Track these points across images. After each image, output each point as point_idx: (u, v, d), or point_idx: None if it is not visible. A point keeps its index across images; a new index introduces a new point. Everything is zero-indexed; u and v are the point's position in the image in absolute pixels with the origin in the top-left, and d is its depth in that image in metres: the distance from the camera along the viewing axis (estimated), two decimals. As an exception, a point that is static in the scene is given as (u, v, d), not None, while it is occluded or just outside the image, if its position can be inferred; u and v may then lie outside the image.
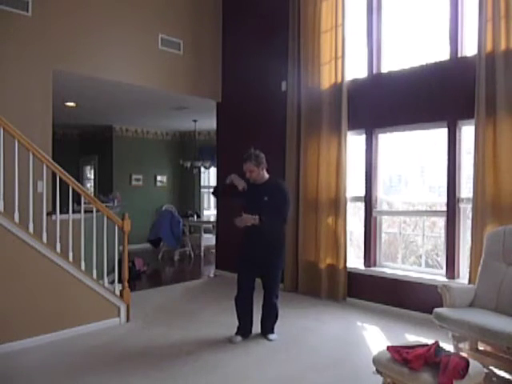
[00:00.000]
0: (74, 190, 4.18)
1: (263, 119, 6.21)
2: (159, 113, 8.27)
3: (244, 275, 3.93)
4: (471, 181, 4.28)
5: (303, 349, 3.80)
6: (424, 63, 4.74)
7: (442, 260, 4.75)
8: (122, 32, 5.63)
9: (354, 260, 5.44)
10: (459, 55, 4.50)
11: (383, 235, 5.26)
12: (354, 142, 5.39)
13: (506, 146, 4.01)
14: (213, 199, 10.49)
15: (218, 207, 7.13)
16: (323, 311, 4.87)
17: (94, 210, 4.39)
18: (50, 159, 4.16)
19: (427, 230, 5.11)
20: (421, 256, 5.04)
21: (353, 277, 5.23)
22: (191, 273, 7.61)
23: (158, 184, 10.39)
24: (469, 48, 4.44)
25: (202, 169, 10.09)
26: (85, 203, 4.29)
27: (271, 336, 4.00)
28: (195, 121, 8.83)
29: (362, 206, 5.31)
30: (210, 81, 6.64)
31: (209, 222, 9.19)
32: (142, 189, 10.05)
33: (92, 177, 10.66)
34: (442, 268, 4.76)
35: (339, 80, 5.26)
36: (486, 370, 2.84)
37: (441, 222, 4.86)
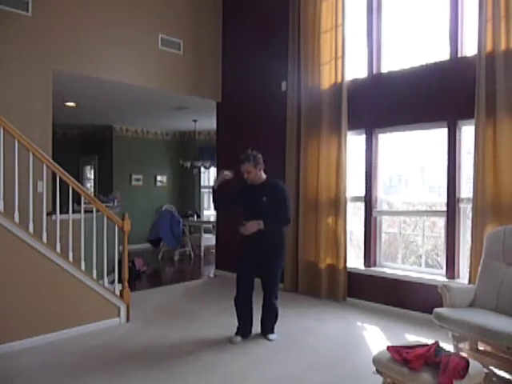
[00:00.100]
0: (74, 189, 4.18)
1: (263, 119, 6.21)
2: (159, 113, 8.27)
3: (243, 275, 3.92)
4: (471, 181, 4.27)
5: (303, 349, 3.80)
6: (424, 63, 4.74)
7: (442, 260, 4.75)
8: (122, 32, 5.63)
9: (354, 260, 5.44)
10: (459, 55, 4.50)
11: (383, 235, 5.26)
12: (354, 141, 5.39)
13: (506, 146, 4.01)
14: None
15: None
16: (323, 311, 4.87)
17: (94, 210, 4.39)
18: (50, 159, 4.16)
19: (427, 230, 5.11)
20: (421, 256, 5.04)
21: (353, 277, 5.23)
22: (191, 273, 7.61)
23: (158, 184, 10.39)
24: (469, 48, 4.44)
25: (202, 169, 10.09)
26: (85, 203, 4.29)
27: (271, 336, 4.00)
28: (195, 121, 8.83)
29: (362, 206, 5.31)
30: (210, 81, 6.64)
31: (209, 222, 9.19)
32: (142, 189, 10.05)
33: (92, 177, 10.66)
34: (442, 268, 4.76)
35: (339, 80, 5.26)
36: (486, 370, 2.84)
37: (441, 222, 4.86)
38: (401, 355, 2.51)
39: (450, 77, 4.48)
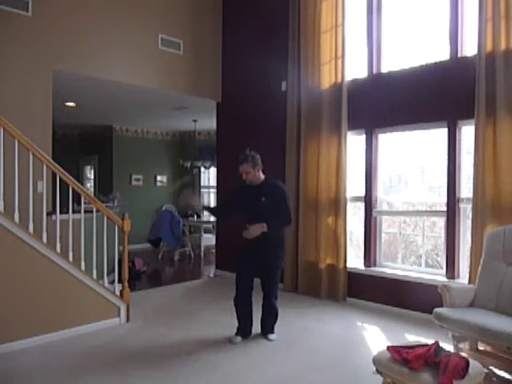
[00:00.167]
0: (73, 189, 4.18)
1: (263, 119, 6.21)
2: (159, 113, 8.27)
3: (243, 275, 3.92)
4: (471, 181, 4.27)
5: (303, 349, 3.80)
6: (424, 63, 4.73)
7: (442, 260, 4.75)
8: (122, 32, 5.63)
9: (354, 260, 5.44)
10: (459, 55, 4.50)
11: (383, 235, 5.26)
12: (354, 142, 5.39)
13: (506, 146, 4.01)
14: (213, 199, 10.50)
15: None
16: (323, 311, 4.87)
17: (94, 210, 4.39)
18: (50, 159, 4.16)
19: (427, 230, 5.11)
20: (421, 256, 5.04)
21: (353, 277, 5.23)
22: (191, 273, 7.61)
23: (158, 184, 10.39)
24: (469, 48, 4.44)
25: (202, 169, 10.10)
26: (85, 203, 4.29)
27: (271, 336, 4.00)
28: (195, 121, 8.82)
29: (362, 205, 5.31)
30: (210, 81, 6.64)
31: (209, 222, 9.18)
32: (142, 189, 10.05)
33: (92, 177, 10.66)
34: (442, 268, 4.76)
35: (339, 80, 5.26)
36: (486, 370, 2.84)
37: (441, 222, 4.86)
38: (401, 355, 2.51)
39: (450, 77, 4.48)
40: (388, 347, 2.65)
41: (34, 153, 3.91)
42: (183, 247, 8.73)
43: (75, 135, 10.54)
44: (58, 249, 3.97)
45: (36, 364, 3.45)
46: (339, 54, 5.27)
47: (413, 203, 5.21)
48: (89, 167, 10.82)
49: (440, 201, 4.78)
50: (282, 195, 3.88)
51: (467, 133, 4.45)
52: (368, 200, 5.18)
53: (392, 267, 5.08)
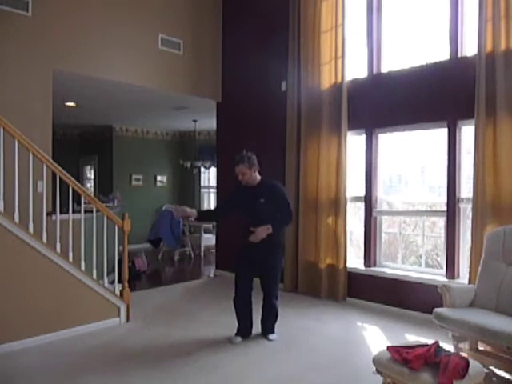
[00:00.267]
0: (74, 189, 4.18)
1: (263, 119, 6.21)
2: (159, 113, 8.27)
3: (242, 275, 3.92)
4: (471, 181, 4.27)
5: (303, 349, 3.80)
6: (424, 63, 4.73)
7: (442, 260, 4.75)
8: (122, 32, 5.63)
9: (354, 260, 5.44)
10: (459, 55, 4.50)
11: (383, 235, 5.26)
12: (354, 141, 5.39)
13: (506, 146, 4.01)
14: (213, 199, 10.50)
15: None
16: (323, 311, 4.87)
17: (94, 210, 4.39)
18: (50, 159, 4.16)
19: (427, 230, 5.11)
20: (421, 256, 5.04)
21: (353, 277, 5.23)
22: (191, 273, 7.61)
23: (158, 184, 10.39)
24: (469, 48, 4.44)
25: (202, 169, 10.09)
26: (85, 203, 4.29)
27: (271, 336, 3.99)
28: (195, 121, 8.82)
29: (362, 206, 5.31)
30: (210, 81, 6.64)
31: (209, 222, 9.17)
32: (142, 189, 10.05)
33: (92, 177, 10.66)
34: (442, 268, 4.76)
35: (339, 80, 5.26)
36: (486, 370, 2.84)
37: (441, 222, 4.86)
38: (401, 355, 2.51)
39: (450, 77, 4.48)
40: (388, 347, 2.65)
41: (34, 153, 3.91)
42: (183, 247, 8.73)
43: (75, 135, 10.54)
44: (58, 249, 3.97)
45: (36, 364, 3.45)
46: (339, 54, 5.27)
47: (413, 203, 5.21)
48: (89, 167, 10.82)
49: (440, 201, 4.78)
50: (281, 194, 3.89)
51: (467, 133, 4.45)
52: (368, 200, 5.18)
53: (392, 267, 5.08)
